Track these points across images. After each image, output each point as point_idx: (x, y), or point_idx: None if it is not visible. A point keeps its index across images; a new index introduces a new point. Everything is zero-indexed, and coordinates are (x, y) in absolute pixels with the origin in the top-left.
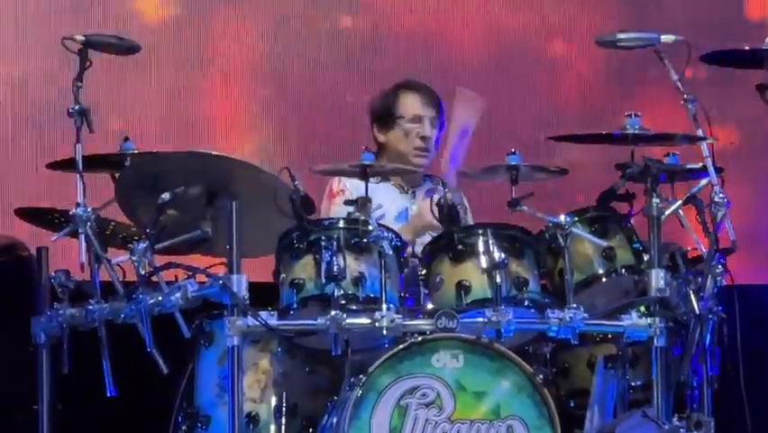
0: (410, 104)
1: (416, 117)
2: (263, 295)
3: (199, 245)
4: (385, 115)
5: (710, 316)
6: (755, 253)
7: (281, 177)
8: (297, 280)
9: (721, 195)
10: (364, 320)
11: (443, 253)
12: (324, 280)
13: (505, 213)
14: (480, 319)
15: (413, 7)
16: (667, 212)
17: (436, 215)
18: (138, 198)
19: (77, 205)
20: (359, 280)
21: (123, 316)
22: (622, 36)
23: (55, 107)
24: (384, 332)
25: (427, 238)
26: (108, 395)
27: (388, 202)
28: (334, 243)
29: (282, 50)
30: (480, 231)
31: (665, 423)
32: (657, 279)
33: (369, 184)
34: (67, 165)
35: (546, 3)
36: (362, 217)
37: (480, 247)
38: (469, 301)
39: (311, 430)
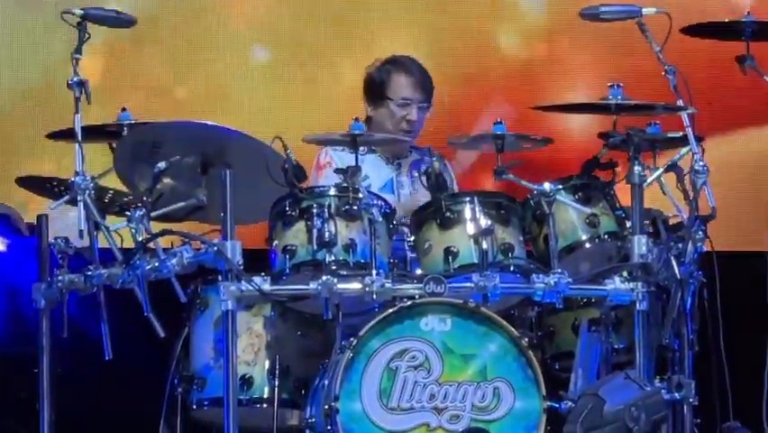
0: (401, 85)
1: (404, 100)
2: (257, 261)
3: (194, 213)
4: (376, 92)
5: (691, 280)
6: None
7: (274, 146)
8: (289, 247)
9: (701, 163)
10: (355, 285)
11: (432, 220)
12: (315, 247)
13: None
14: (468, 284)
15: None
16: (649, 180)
17: (424, 183)
18: (135, 167)
19: (76, 173)
20: (350, 247)
21: (120, 281)
22: (605, 9)
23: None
24: (374, 297)
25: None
26: (106, 358)
27: (375, 173)
28: (326, 210)
29: None
30: (468, 198)
31: (647, 384)
32: (639, 245)
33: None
34: (66, 135)
35: None
36: (353, 185)
37: (468, 214)
38: (456, 267)
39: (303, 392)
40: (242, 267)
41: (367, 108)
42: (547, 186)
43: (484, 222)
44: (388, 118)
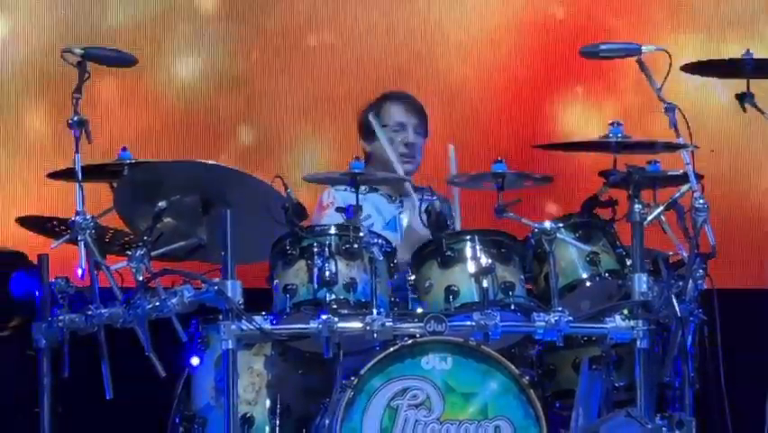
0: (393, 112)
1: (399, 125)
2: (257, 300)
3: (195, 252)
4: (370, 126)
5: (691, 318)
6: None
7: (274, 185)
8: (290, 286)
9: (701, 201)
10: (356, 324)
11: (432, 259)
12: (316, 286)
13: (492, 219)
14: (468, 323)
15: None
16: (649, 218)
17: (425, 221)
18: (135, 207)
19: (77, 213)
20: (350, 286)
21: (121, 320)
22: (604, 47)
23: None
24: (375, 335)
25: None
26: (107, 398)
27: (377, 211)
28: (326, 249)
29: None
30: (468, 237)
31: (648, 423)
32: (640, 283)
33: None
34: (66, 175)
35: None
36: (354, 224)
37: (468, 253)
38: (457, 305)
39: (304, 431)
40: (242, 306)
41: (364, 146)
42: (548, 224)
43: (485, 260)
44: (387, 146)
